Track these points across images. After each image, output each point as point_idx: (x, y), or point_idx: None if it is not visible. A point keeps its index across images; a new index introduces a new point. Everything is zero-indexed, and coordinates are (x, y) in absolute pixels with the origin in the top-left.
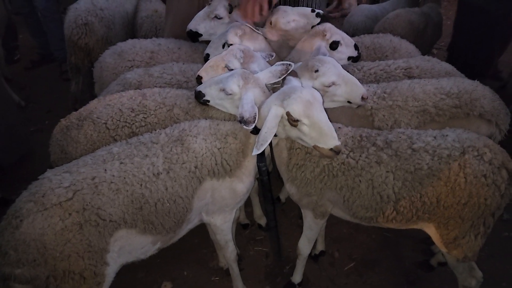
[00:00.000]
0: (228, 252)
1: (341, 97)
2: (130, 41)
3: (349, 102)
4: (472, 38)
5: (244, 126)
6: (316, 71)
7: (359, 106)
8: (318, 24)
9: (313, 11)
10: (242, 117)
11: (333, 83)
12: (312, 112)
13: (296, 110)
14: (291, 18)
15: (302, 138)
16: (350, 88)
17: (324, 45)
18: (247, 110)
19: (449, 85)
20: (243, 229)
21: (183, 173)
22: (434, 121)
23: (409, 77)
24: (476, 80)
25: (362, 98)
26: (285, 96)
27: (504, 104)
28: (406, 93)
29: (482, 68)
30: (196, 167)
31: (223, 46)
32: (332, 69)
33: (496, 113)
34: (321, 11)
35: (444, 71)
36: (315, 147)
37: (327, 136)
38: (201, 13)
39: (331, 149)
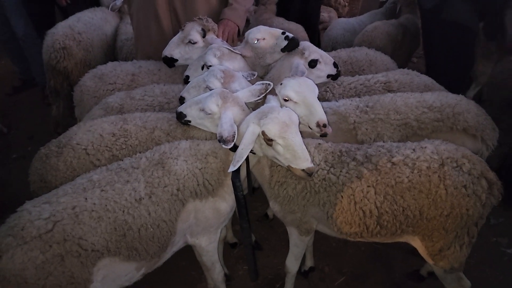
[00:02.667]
0: (215, 273)
1: (300, 118)
2: (110, 64)
3: (310, 127)
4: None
5: (223, 145)
6: (281, 83)
7: (322, 135)
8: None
9: (283, 33)
10: (221, 137)
11: (289, 98)
12: (287, 133)
13: (272, 130)
14: (261, 36)
15: (277, 157)
16: (308, 111)
17: (302, 63)
18: (225, 129)
19: (432, 99)
20: (232, 248)
21: (166, 196)
22: (417, 135)
23: (389, 91)
24: (460, 94)
25: (319, 125)
26: (263, 115)
27: (490, 119)
28: (388, 106)
29: (461, 78)
30: (178, 190)
31: (202, 68)
32: (294, 85)
33: (481, 128)
34: (290, 34)
35: (423, 84)
36: (289, 167)
37: (300, 158)
38: (175, 39)
39: (303, 170)
